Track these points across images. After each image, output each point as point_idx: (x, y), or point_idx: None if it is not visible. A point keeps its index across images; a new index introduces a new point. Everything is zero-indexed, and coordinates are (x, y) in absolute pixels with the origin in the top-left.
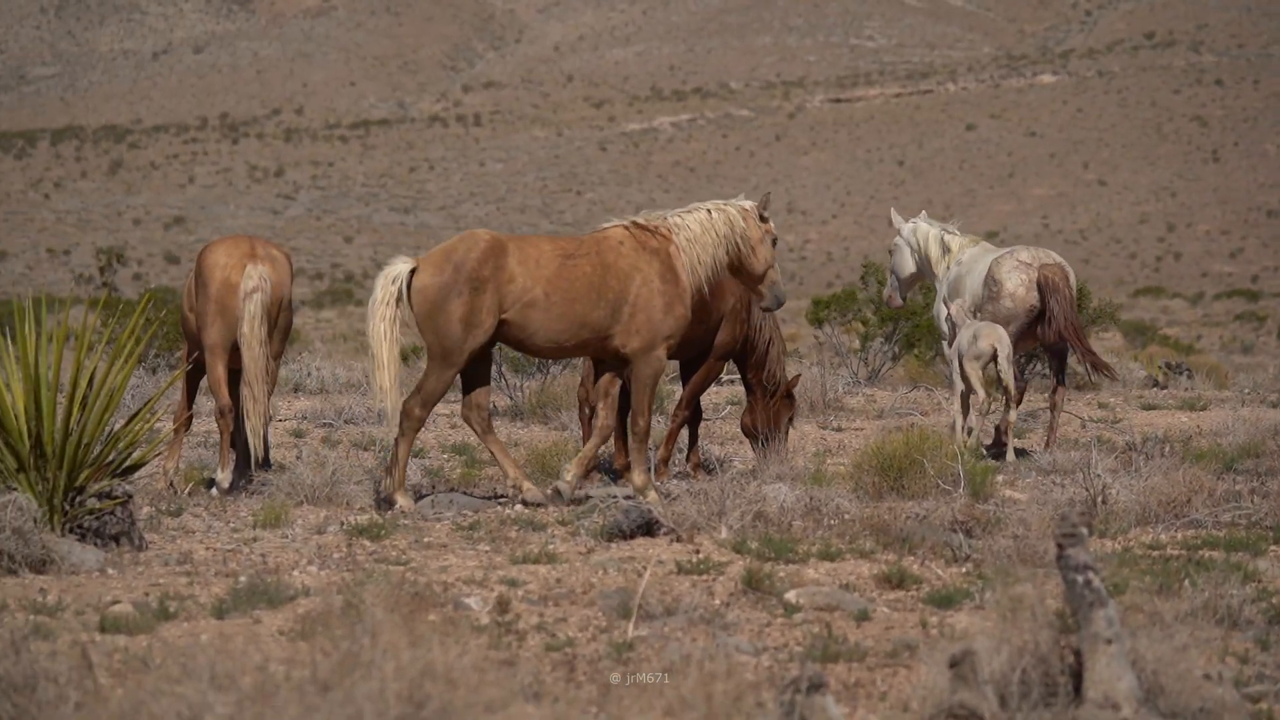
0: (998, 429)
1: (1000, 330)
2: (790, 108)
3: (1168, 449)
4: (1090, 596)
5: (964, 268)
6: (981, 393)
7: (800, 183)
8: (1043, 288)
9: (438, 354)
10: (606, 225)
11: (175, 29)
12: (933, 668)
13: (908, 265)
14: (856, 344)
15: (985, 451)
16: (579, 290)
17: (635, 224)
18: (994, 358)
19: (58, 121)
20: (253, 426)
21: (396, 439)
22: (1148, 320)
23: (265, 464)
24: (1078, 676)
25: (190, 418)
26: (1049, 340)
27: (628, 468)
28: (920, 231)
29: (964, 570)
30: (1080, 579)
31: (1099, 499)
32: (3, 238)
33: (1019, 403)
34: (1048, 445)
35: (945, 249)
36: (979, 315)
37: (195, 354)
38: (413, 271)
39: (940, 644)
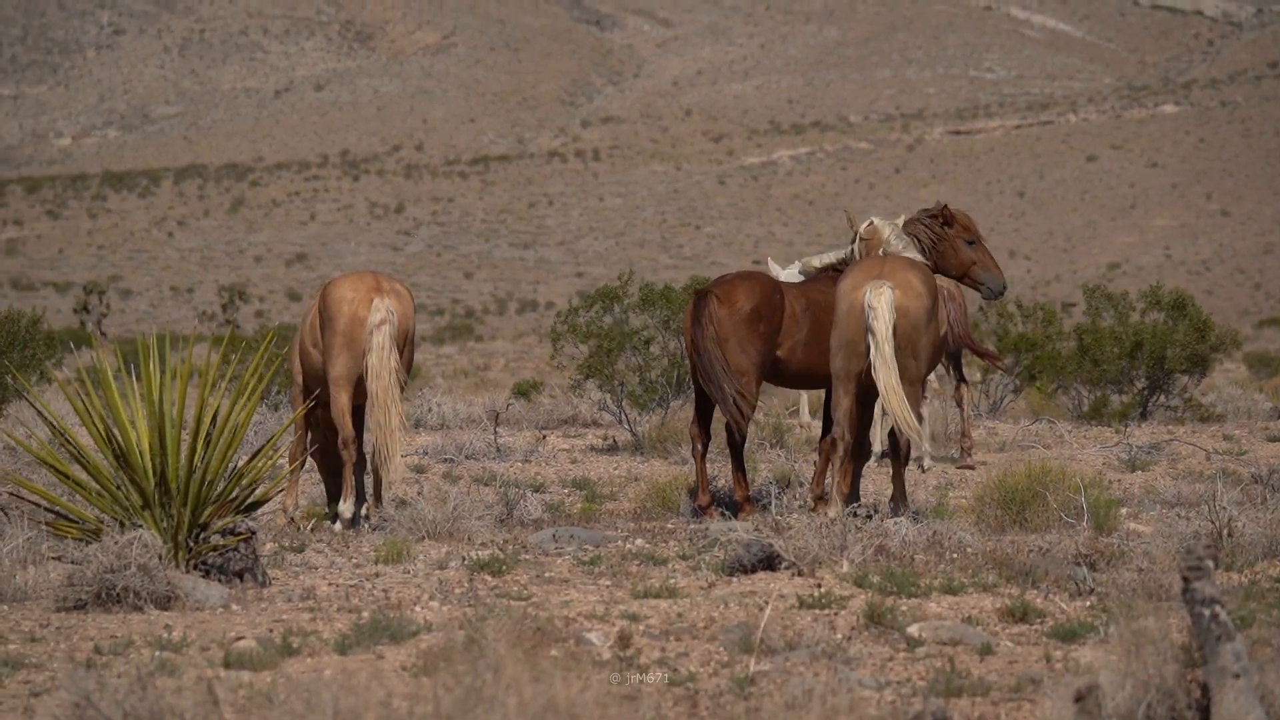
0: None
1: None
2: (909, 140)
3: None
4: (1217, 630)
5: None
6: None
7: None
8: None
9: (914, 377)
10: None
11: (297, 67)
12: (1057, 702)
13: None
14: (978, 376)
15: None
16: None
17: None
18: None
19: (181, 160)
20: (386, 454)
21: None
22: (1273, 351)
23: (377, 500)
24: (1204, 711)
25: (307, 456)
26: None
27: (747, 500)
28: (798, 269)
29: (1088, 604)
30: (1206, 612)
31: (1224, 531)
32: (127, 275)
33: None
34: (964, 452)
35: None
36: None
37: (318, 390)
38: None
39: (1065, 678)
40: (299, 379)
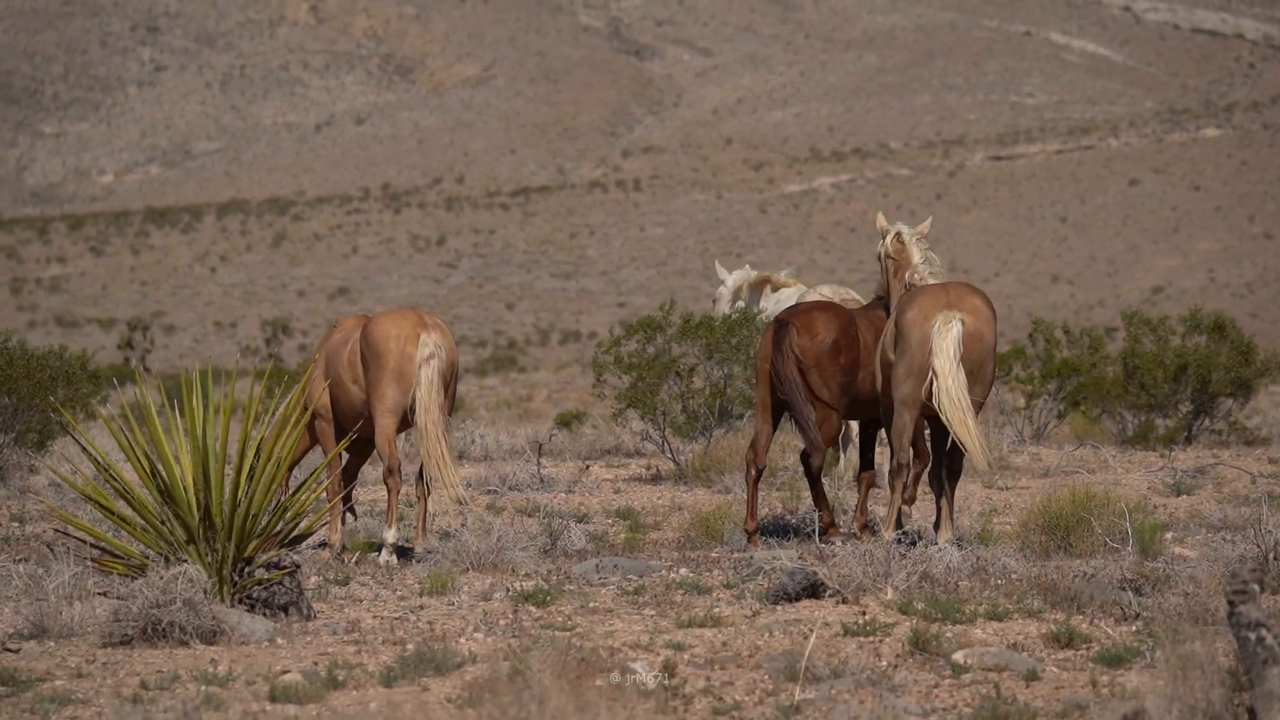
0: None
1: None
2: (950, 166)
3: None
4: (1264, 654)
5: (782, 304)
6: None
7: (962, 241)
8: None
9: (980, 401)
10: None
11: (337, 101)
12: None
13: (724, 311)
14: (1021, 402)
15: None
16: None
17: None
18: None
19: (223, 195)
20: (444, 481)
21: (899, 487)
22: None
23: (422, 531)
24: None
25: (348, 490)
26: None
27: (831, 525)
28: (740, 277)
29: (1134, 629)
30: (1253, 636)
31: (1271, 555)
32: (170, 311)
33: None
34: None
35: (766, 283)
36: None
37: (360, 424)
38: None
39: (1111, 703)
40: (327, 414)
